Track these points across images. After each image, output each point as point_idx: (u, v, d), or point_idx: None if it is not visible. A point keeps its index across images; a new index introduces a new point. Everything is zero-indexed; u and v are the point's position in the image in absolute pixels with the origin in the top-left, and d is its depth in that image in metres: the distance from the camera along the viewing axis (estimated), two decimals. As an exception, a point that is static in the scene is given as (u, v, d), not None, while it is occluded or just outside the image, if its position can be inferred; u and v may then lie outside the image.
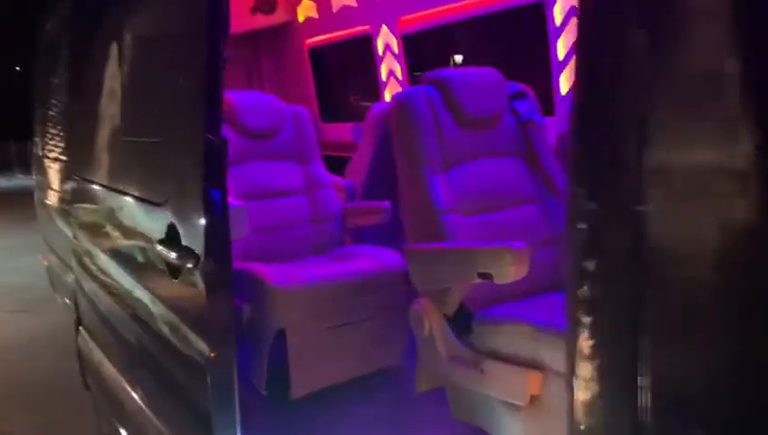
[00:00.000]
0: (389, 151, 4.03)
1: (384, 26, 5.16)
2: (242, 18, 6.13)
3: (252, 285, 2.68)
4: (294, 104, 6.33)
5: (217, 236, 1.68)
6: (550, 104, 3.86)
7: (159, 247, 1.84)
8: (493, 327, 1.93)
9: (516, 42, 4.61)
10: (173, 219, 1.81)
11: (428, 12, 4.69)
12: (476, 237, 2.19)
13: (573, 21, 3.72)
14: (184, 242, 1.75)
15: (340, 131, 6.05)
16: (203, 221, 1.66)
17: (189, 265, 1.70)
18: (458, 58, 5.43)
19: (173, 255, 1.77)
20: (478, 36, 4.80)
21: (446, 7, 4.51)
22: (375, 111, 3.99)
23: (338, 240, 3.35)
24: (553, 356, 1.73)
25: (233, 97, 3.26)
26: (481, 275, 1.87)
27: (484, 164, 2.37)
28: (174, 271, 1.81)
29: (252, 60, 6.92)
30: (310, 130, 3.50)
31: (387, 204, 3.21)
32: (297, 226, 3.31)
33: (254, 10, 6.19)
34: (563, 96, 3.82)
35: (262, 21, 6.19)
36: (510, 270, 1.78)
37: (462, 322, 2.06)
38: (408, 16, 4.89)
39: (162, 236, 1.84)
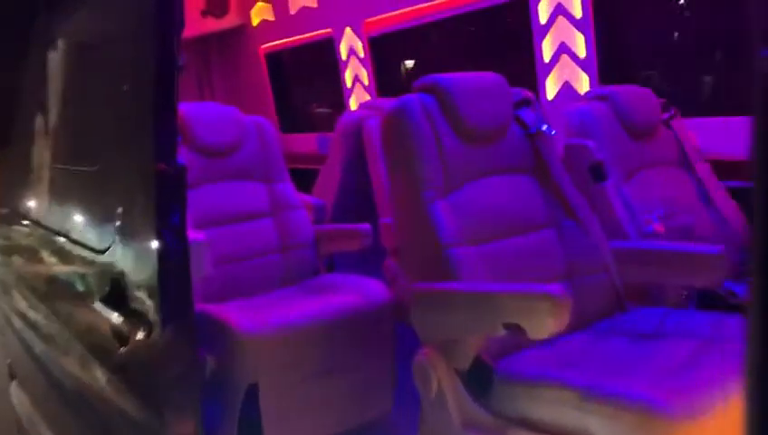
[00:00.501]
0: (363, 166, 3.68)
1: (348, 29, 4.79)
2: (191, 22, 5.67)
3: (216, 331, 2.27)
4: (251, 115, 5.94)
5: (176, 295, 1.29)
6: (535, 111, 3.56)
7: (100, 307, 1.43)
8: (522, 389, 1.58)
9: (496, 42, 4.30)
10: (117, 272, 1.41)
11: (397, 12, 4.34)
12: (487, 271, 1.84)
13: (560, 20, 3.42)
14: (133, 303, 1.35)
15: (303, 143, 5.65)
16: (156, 276, 1.26)
17: (140, 335, 1.30)
18: (409, 63, 5.08)
19: (118, 319, 1.36)
20: (455, 37, 4.47)
21: (416, 7, 4.17)
22: (345, 120, 3.61)
23: (311, 269, 2.95)
24: (605, 428, 1.40)
25: (185, 109, 2.84)
26: (508, 327, 1.51)
27: (490, 183, 2.02)
28: (121, 338, 1.40)
29: (202, 67, 6.46)
30: (275, 145, 3.09)
31: (367, 227, 2.83)
32: (264, 254, 2.91)
33: (204, 13, 5.73)
34: (550, 101, 3.52)
35: (212, 25, 5.74)
36: (548, 323, 1.43)
37: (479, 378, 1.70)
38: (375, 18, 4.53)
39: (104, 293, 1.44)
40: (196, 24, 5.69)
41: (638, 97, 2.57)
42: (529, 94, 2.20)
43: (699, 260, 1.95)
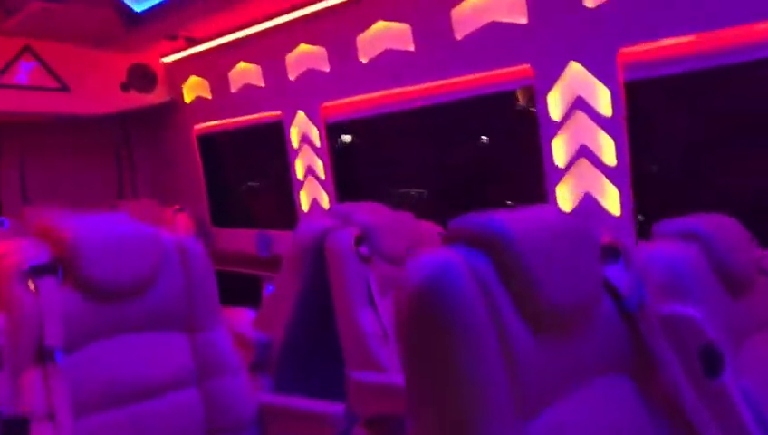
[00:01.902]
0: (325, 295, 2.79)
1: (301, 112, 3.99)
2: (110, 96, 4.77)
3: None
4: (176, 206, 5.03)
5: None
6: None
7: None
8: None
9: (496, 136, 3.57)
10: None
11: (364, 97, 3.58)
12: None
13: (578, 115, 2.71)
14: None
15: (238, 240, 4.73)
16: None
17: None
18: (346, 138, 4.23)
19: None
20: (433, 127, 3.73)
21: (389, 92, 3.43)
22: (302, 232, 2.74)
23: (252, 465, 1.99)
24: None
25: (70, 227, 1.89)
26: None
27: (580, 401, 1.18)
28: None
29: (123, 148, 5.51)
30: (205, 276, 2.15)
31: (340, 409, 1.92)
32: (182, 443, 1.94)
33: (125, 87, 4.85)
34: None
35: (136, 100, 4.86)
36: None
37: None
38: (335, 102, 3.76)
39: None
40: (116, 98, 4.79)
41: (733, 233, 1.82)
42: (615, 237, 1.40)
43: None
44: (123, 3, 3.78)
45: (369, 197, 4.13)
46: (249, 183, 5.16)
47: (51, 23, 4.02)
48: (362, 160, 4.23)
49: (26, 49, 4.40)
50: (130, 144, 5.48)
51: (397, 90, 3.36)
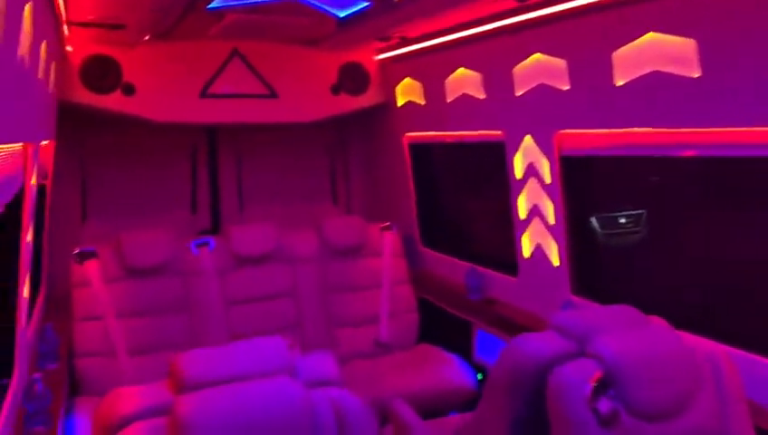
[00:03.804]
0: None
1: (528, 137, 3.16)
2: (320, 100, 4.35)
3: None
4: (383, 224, 4.47)
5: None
6: None
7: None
8: None
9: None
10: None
11: (611, 131, 2.65)
12: None
13: None
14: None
15: (447, 268, 4.08)
16: None
17: None
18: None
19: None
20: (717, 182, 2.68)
21: (656, 130, 2.46)
22: (519, 351, 1.97)
23: None
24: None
25: None
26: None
27: None
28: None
29: (339, 155, 5.08)
30: None
31: None
32: None
33: (335, 89, 4.39)
34: None
35: (348, 104, 4.39)
36: None
37: None
38: (576, 131, 2.87)
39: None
40: (325, 102, 4.36)
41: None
42: None
43: None
44: (326, 11, 3.23)
45: (612, 261, 3.23)
46: (464, 206, 4.46)
47: (257, 26, 3.65)
48: (607, 206, 3.30)
49: (234, 54, 4.12)
50: (346, 149, 5.05)
51: (668, 129, 2.39)
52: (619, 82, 2.51)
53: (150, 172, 4.54)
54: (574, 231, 3.05)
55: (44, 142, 3.21)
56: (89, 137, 4.30)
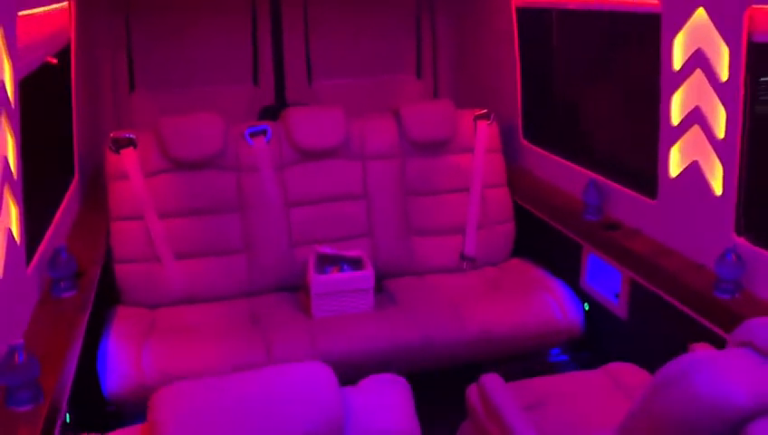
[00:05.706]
0: None
1: (701, 10, 2.21)
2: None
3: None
4: (479, 111, 3.63)
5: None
6: None
7: None
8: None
9: None
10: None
11: None
12: None
13: None
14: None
15: (555, 171, 3.29)
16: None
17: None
18: None
19: None
20: None
21: None
22: (699, 396, 1.26)
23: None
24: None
25: None
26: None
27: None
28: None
29: (424, 14, 4.22)
30: None
31: None
32: None
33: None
34: None
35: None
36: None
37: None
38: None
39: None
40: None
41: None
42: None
43: None
44: None
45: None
46: (586, 95, 3.52)
47: None
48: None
49: None
50: (434, 10, 4.17)
51: None
52: None
53: (206, 37, 3.91)
54: (752, 151, 2.17)
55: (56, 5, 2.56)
56: None
